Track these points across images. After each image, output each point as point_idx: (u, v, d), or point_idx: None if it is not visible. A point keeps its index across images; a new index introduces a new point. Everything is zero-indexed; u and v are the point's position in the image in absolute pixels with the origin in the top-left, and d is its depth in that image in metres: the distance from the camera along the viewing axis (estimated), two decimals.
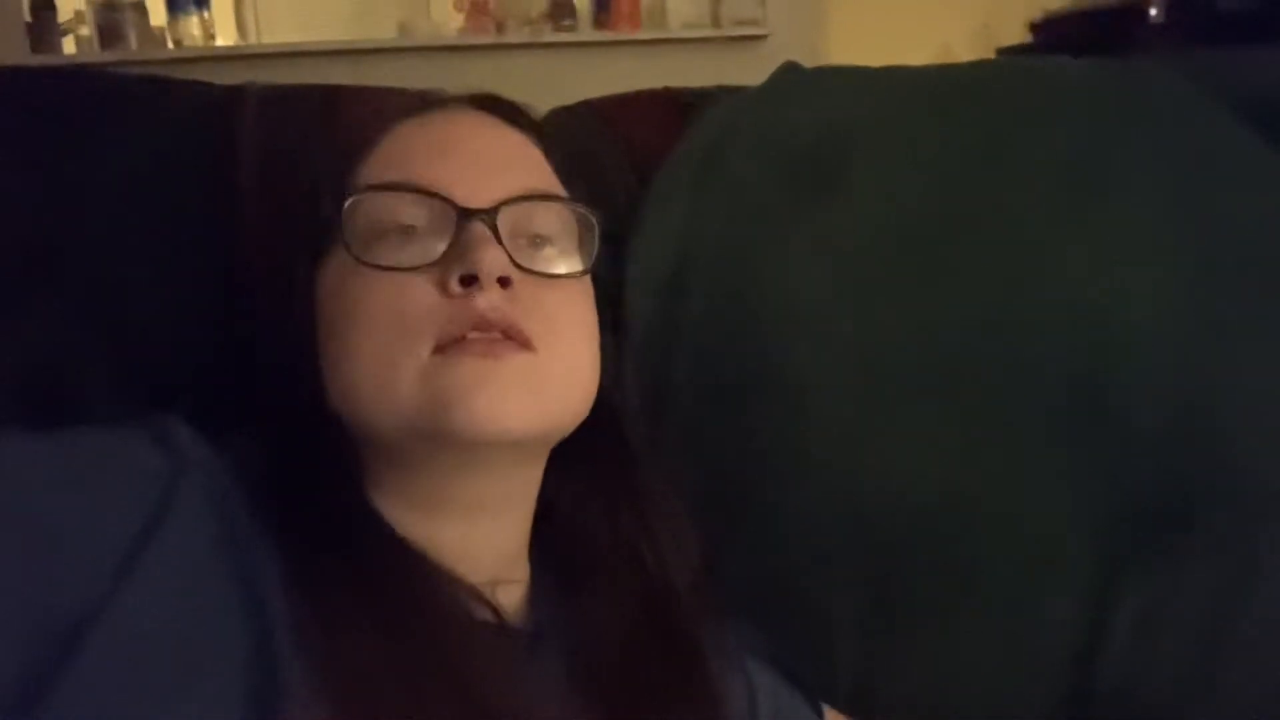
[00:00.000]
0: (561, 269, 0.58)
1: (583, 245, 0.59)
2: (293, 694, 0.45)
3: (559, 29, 3.34)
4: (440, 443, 0.53)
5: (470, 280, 0.53)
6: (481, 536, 0.58)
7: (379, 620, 0.50)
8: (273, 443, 0.57)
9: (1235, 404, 0.69)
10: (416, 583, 0.53)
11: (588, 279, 0.60)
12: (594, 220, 0.60)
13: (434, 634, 0.51)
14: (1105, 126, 0.77)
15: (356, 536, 0.54)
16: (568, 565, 0.62)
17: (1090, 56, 0.87)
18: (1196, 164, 0.75)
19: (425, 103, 0.63)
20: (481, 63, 3.23)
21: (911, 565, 0.72)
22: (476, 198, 0.55)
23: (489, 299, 0.53)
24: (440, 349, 0.52)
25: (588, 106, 0.91)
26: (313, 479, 0.55)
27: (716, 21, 3.38)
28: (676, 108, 0.90)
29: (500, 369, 0.52)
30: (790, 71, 0.90)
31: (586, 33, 3.36)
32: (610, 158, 0.87)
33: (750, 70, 0.97)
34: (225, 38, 3.72)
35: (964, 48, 3.59)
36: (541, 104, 0.80)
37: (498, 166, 0.58)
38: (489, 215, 0.54)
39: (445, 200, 0.55)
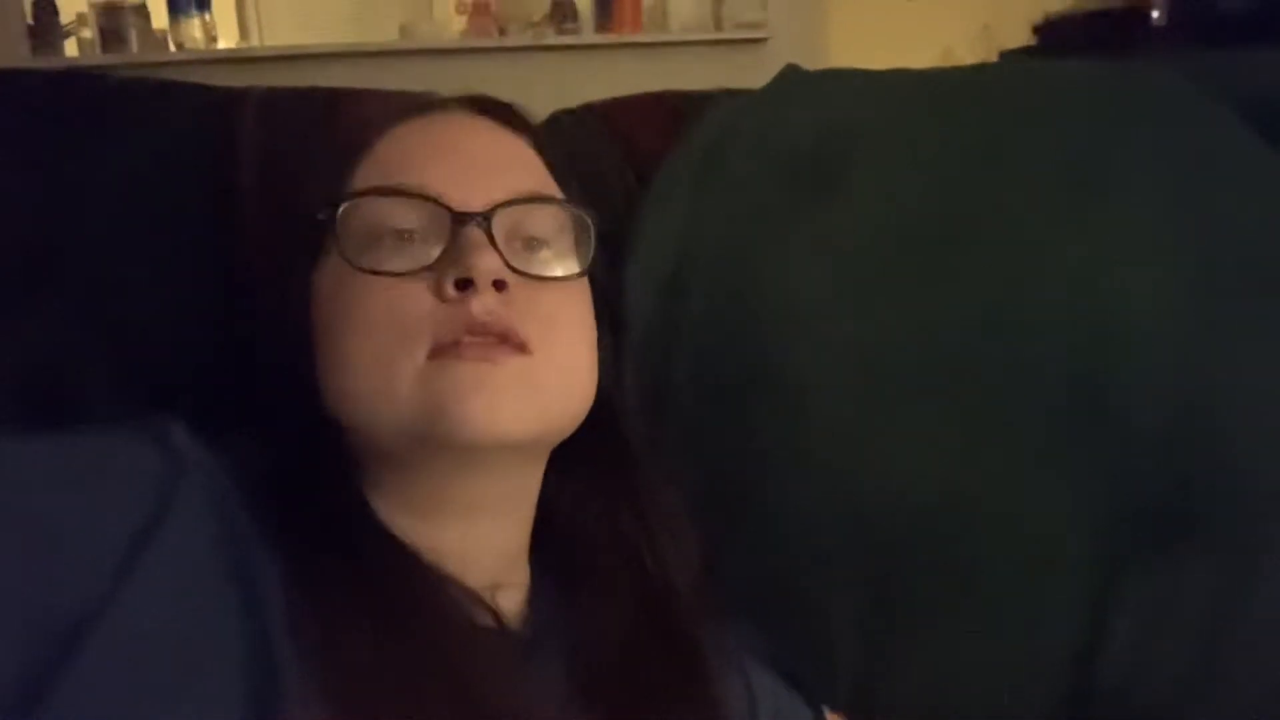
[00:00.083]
0: (558, 271, 0.57)
1: (579, 247, 0.59)
2: (292, 695, 0.45)
3: (561, 31, 3.34)
4: (437, 447, 0.53)
5: (465, 284, 0.53)
6: (481, 539, 0.58)
7: (378, 622, 0.50)
8: (272, 445, 0.57)
9: (1235, 404, 0.69)
10: (415, 585, 0.53)
11: (585, 280, 0.60)
12: (590, 221, 0.59)
13: (433, 636, 0.51)
14: (1106, 127, 0.77)
15: (355, 539, 0.54)
16: (567, 567, 0.62)
17: (1092, 58, 0.87)
18: (1197, 164, 0.75)
19: (419, 106, 0.63)
20: (483, 65, 3.23)
21: (911, 565, 0.72)
22: (471, 201, 0.55)
23: (484, 303, 0.52)
24: (435, 353, 0.52)
25: (589, 109, 0.91)
26: (312, 481, 0.55)
27: (718, 24, 3.37)
28: (678, 110, 0.91)
29: (496, 373, 0.52)
30: (791, 74, 0.90)
31: (588, 35, 3.35)
32: (611, 160, 0.87)
33: (751, 73, 0.98)
34: (227, 40, 3.73)
35: (966, 50, 3.59)
36: (543, 106, 0.81)
37: (492, 169, 0.58)
38: (483, 219, 0.54)
39: (439, 204, 0.55)
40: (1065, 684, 0.70)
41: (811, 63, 0.94)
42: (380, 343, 0.53)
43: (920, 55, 3.35)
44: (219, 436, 0.51)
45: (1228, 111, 0.78)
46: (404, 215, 0.55)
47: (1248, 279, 0.72)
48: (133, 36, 3.13)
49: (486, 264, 0.53)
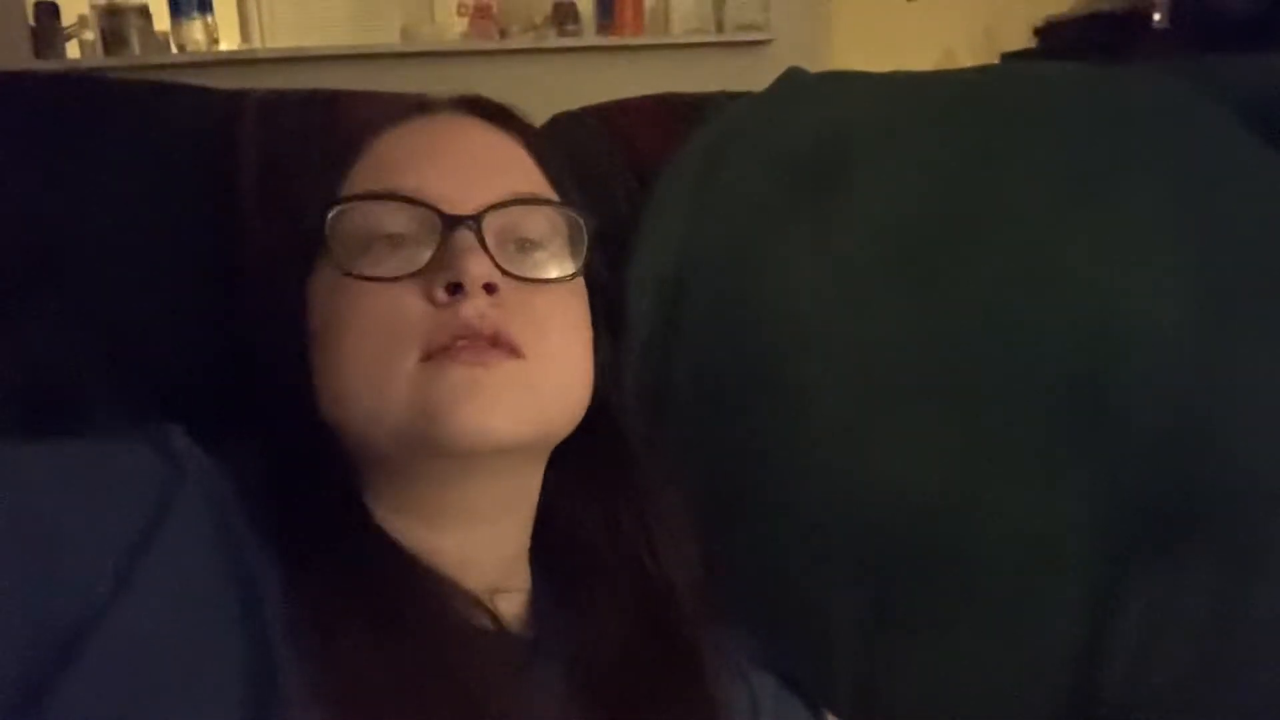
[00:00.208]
0: (552, 273, 0.57)
1: (573, 248, 0.59)
2: (291, 698, 0.45)
3: (562, 34, 3.35)
4: (430, 452, 0.52)
5: (456, 288, 0.53)
6: (480, 543, 0.58)
7: (376, 626, 0.50)
8: (271, 450, 0.57)
9: (1235, 404, 0.69)
10: (414, 589, 0.53)
11: (580, 281, 0.60)
12: (584, 223, 0.59)
13: (431, 640, 0.51)
14: (1106, 129, 0.77)
15: (353, 543, 0.54)
16: (567, 570, 0.62)
17: (1093, 61, 0.87)
18: (1197, 165, 0.75)
19: (412, 108, 0.63)
20: (484, 68, 3.24)
21: (911, 565, 0.72)
22: (462, 204, 0.55)
23: (475, 306, 0.52)
24: (427, 358, 0.52)
25: (590, 111, 0.91)
26: (310, 486, 0.55)
27: (720, 26, 3.38)
28: (679, 113, 0.91)
29: (488, 376, 0.52)
30: (793, 76, 0.90)
31: (590, 38, 3.36)
32: (612, 162, 0.87)
33: (753, 75, 0.98)
34: (229, 42, 3.74)
35: (967, 53, 3.59)
36: (544, 109, 0.81)
37: (484, 171, 0.58)
38: (474, 222, 0.54)
39: (429, 208, 0.54)
40: (1066, 684, 0.70)
41: (813, 65, 0.94)
42: (372, 348, 0.53)
43: (921, 58, 3.36)
44: (219, 441, 0.51)
45: (1228, 113, 0.78)
46: (395, 219, 0.55)
47: (1248, 279, 0.72)
48: (134, 38, 3.14)
49: (476, 267, 0.52)
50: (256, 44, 4.05)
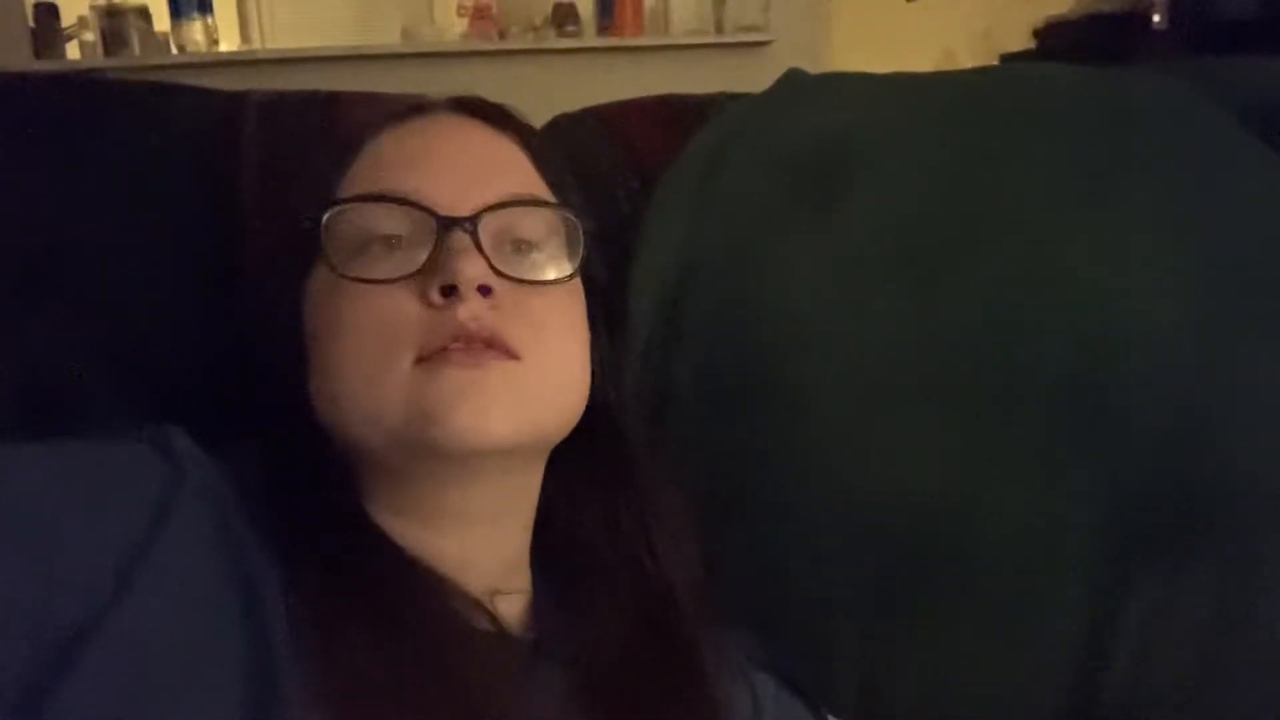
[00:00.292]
0: (549, 274, 0.57)
1: (570, 249, 0.58)
2: (291, 700, 0.45)
3: (562, 35, 3.35)
4: (427, 454, 0.52)
5: (451, 290, 0.52)
6: (480, 544, 0.58)
7: (376, 627, 0.50)
8: (270, 451, 0.57)
9: (1235, 405, 0.69)
10: (413, 591, 0.53)
11: (577, 283, 0.60)
12: (580, 224, 0.59)
13: (432, 642, 0.51)
14: (1107, 130, 0.77)
15: (353, 544, 0.53)
16: (568, 571, 0.62)
17: (1092, 62, 0.87)
18: (1197, 166, 0.75)
19: (408, 109, 0.62)
20: (484, 69, 3.24)
21: (911, 565, 0.72)
22: (457, 206, 0.54)
23: (470, 308, 0.52)
24: (422, 360, 0.52)
25: (590, 112, 0.91)
26: (309, 487, 0.55)
27: (720, 27, 3.38)
28: (679, 114, 0.91)
29: (483, 379, 0.52)
30: (794, 78, 0.90)
31: (589, 38, 3.36)
32: (613, 163, 0.87)
33: (754, 76, 0.98)
34: (229, 43, 3.74)
35: (967, 54, 3.60)
36: (544, 110, 0.81)
37: (479, 172, 0.58)
38: (469, 223, 0.54)
39: (424, 209, 0.54)
40: (1066, 684, 0.70)
41: (813, 66, 0.94)
42: (367, 350, 0.53)
43: (921, 59, 3.36)
44: (219, 442, 0.51)
45: (1228, 113, 0.78)
46: (390, 221, 0.55)
47: (1248, 280, 0.72)
48: (134, 39, 3.14)
49: (471, 269, 0.52)
50: (256, 45, 4.05)
